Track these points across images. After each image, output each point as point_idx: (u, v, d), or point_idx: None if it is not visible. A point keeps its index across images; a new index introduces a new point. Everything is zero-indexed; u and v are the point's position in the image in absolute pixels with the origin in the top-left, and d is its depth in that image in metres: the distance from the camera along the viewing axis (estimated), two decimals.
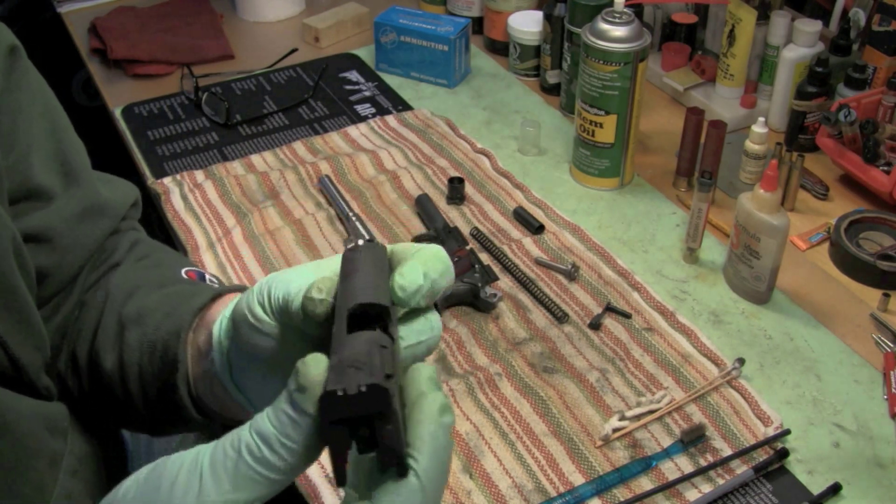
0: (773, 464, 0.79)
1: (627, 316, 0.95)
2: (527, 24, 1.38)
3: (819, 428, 0.84)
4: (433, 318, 0.49)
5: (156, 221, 1.23)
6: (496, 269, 1.02)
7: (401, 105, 1.36)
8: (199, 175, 1.18)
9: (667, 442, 0.81)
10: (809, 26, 1.19)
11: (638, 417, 0.84)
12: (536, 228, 1.08)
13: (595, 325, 0.94)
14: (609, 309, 0.96)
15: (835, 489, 0.77)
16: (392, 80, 1.42)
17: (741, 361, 0.88)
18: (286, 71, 1.45)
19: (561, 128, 1.29)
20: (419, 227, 1.09)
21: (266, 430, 0.41)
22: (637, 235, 1.08)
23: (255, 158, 1.22)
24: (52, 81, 0.71)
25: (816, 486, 0.78)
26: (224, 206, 1.12)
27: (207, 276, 0.73)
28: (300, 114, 1.34)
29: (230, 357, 0.56)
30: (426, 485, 0.40)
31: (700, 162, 1.12)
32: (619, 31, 1.06)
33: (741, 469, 0.79)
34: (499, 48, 1.48)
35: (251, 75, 1.44)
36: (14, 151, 0.62)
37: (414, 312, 0.49)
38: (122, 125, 1.31)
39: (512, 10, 1.43)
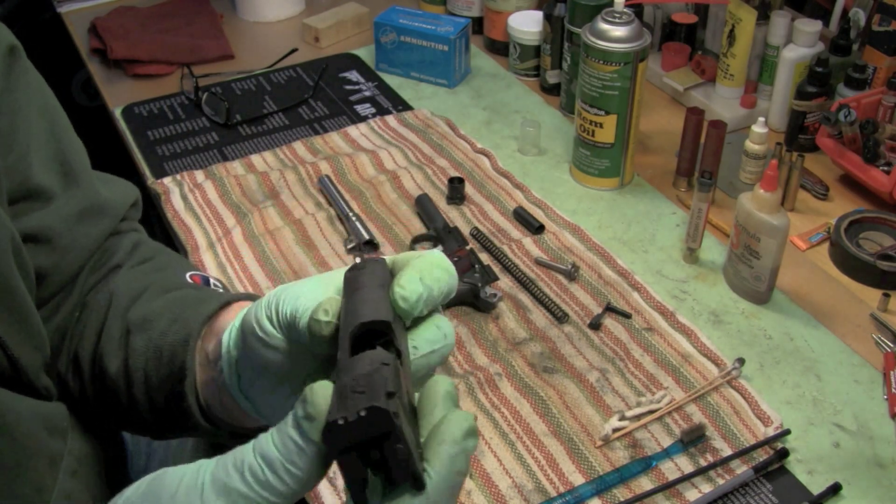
0: (773, 464, 0.79)
1: (627, 316, 0.95)
2: (527, 24, 1.38)
3: (819, 428, 0.83)
4: (443, 324, 0.49)
5: (156, 221, 1.23)
6: (496, 269, 1.02)
7: (401, 105, 1.36)
8: (199, 175, 1.18)
9: (667, 442, 0.81)
10: (809, 26, 1.19)
11: (638, 417, 0.84)
12: (536, 228, 1.08)
13: (595, 325, 0.94)
14: (609, 309, 0.96)
15: (835, 489, 0.77)
16: (392, 80, 1.42)
17: (741, 361, 0.88)
18: (286, 71, 1.45)
19: (561, 128, 1.29)
20: (419, 227, 1.09)
21: (271, 454, 0.41)
22: (637, 235, 1.08)
23: (255, 158, 1.22)
24: (52, 81, 0.71)
25: (816, 486, 0.78)
26: (224, 206, 1.12)
27: (212, 281, 0.73)
28: (300, 114, 1.34)
29: (239, 368, 0.56)
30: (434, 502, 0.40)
31: (700, 162, 1.12)
32: (619, 31, 1.06)
33: (741, 469, 0.79)
34: (499, 48, 1.48)
35: (251, 75, 1.44)
36: (13, 151, 0.62)
37: (422, 320, 0.48)
38: (122, 125, 1.31)
39: (512, 10, 1.43)
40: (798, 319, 0.96)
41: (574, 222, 1.09)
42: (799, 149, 1.19)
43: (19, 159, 0.62)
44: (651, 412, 0.84)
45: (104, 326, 0.66)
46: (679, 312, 0.95)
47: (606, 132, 1.12)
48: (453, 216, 1.11)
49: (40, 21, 1.73)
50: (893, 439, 0.82)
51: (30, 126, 0.64)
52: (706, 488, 0.77)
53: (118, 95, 1.39)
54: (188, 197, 1.14)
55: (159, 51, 1.45)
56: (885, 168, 1.08)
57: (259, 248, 1.06)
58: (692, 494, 0.77)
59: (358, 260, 0.51)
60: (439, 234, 1.05)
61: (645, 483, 0.78)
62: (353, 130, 1.29)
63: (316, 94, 1.38)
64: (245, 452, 0.42)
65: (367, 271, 0.48)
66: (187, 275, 0.71)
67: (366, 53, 1.49)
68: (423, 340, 0.48)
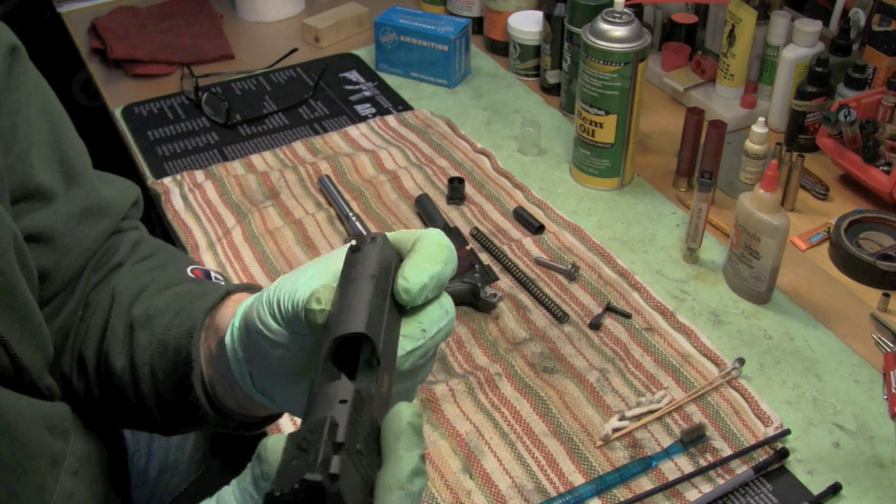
0: (773, 464, 0.79)
1: (627, 316, 0.95)
2: (527, 24, 1.38)
3: (819, 428, 0.84)
4: (445, 301, 0.49)
5: (156, 221, 1.23)
6: (496, 269, 1.02)
7: (401, 105, 1.36)
8: (199, 175, 1.18)
9: (667, 442, 0.81)
10: (809, 26, 1.19)
11: (638, 417, 0.84)
12: (536, 228, 1.08)
13: (595, 325, 0.94)
14: (609, 309, 0.96)
15: (835, 489, 0.77)
16: (392, 80, 1.42)
17: (741, 361, 0.88)
18: (286, 71, 1.45)
19: (561, 128, 1.29)
20: (419, 227, 1.09)
21: None
22: (637, 235, 1.08)
23: (255, 158, 1.22)
24: (52, 81, 0.71)
25: (816, 486, 0.78)
26: (224, 206, 1.12)
27: (213, 274, 0.73)
28: (300, 114, 1.34)
29: (249, 367, 0.55)
30: None
31: (700, 162, 1.12)
32: (619, 31, 1.06)
33: (741, 469, 0.79)
34: (499, 48, 1.48)
35: (251, 75, 1.44)
36: (14, 151, 0.62)
37: (428, 302, 0.49)
38: (122, 125, 1.31)
39: (512, 10, 1.43)
40: (798, 319, 0.96)
41: (574, 222, 1.09)
42: (799, 149, 1.19)
43: (20, 159, 0.62)
44: (651, 412, 0.84)
45: (108, 325, 0.66)
46: (679, 312, 0.95)
47: (606, 132, 1.12)
48: (453, 216, 1.11)
49: (40, 21, 1.73)
50: (893, 439, 0.82)
51: (31, 126, 0.64)
52: (706, 488, 0.77)
53: (118, 95, 1.39)
54: (188, 197, 1.14)
55: (159, 51, 1.45)
56: (885, 168, 1.08)
57: (259, 248, 1.06)
58: (692, 494, 0.77)
59: (364, 235, 0.49)
60: None
61: (645, 483, 0.78)
62: (353, 130, 1.29)
63: (316, 94, 1.38)
64: None
65: (368, 255, 0.48)
66: (188, 269, 0.71)
67: (366, 53, 1.49)
68: (430, 322, 0.48)
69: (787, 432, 0.82)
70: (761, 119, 1.08)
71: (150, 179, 1.18)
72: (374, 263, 0.47)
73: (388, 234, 0.51)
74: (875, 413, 0.85)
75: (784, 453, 0.80)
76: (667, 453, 0.80)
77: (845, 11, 1.30)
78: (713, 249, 1.05)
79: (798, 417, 0.84)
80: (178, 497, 0.90)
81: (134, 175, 1.23)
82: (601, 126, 1.11)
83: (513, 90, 1.39)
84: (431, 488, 0.78)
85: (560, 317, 0.95)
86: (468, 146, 1.24)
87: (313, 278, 0.49)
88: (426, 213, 1.09)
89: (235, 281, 1.01)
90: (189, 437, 0.96)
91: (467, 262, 0.99)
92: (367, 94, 1.39)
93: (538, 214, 1.10)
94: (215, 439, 0.98)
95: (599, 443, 0.81)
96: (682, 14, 1.38)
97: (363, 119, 1.32)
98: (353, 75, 1.44)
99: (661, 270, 1.03)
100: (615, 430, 0.82)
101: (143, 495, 0.88)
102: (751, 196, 0.93)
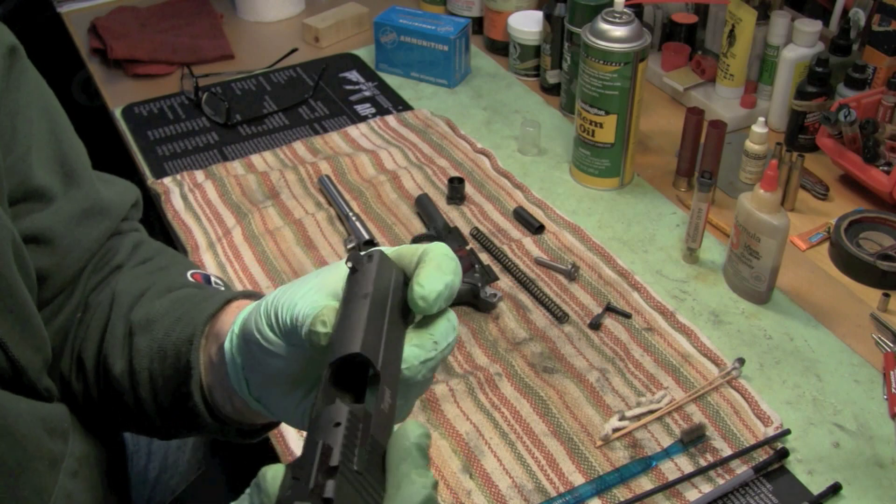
0: (773, 464, 0.79)
1: (627, 316, 0.95)
2: (527, 24, 1.38)
3: (819, 428, 0.84)
4: (452, 316, 0.50)
5: (156, 221, 1.23)
6: (496, 269, 1.02)
7: (401, 105, 1.36)
8: (199, 175, 1.18)
9: (667, 442, 0.81)
10: (809, 26, 1.19)
11: (638, 417, 0.84)
12: (536, 228, 1.08)
13: (595, 325, 0.94)
14: (609, 309, 0.96)
15: (835, 489, 0.77)
16: (392, 80, 1.42)
17: (741, 361, 0.88)
18: (286, 71, 1.45)
19: (561, 128, 1.29)
20: (419, 227, 1.09)
21: None
22: (637, 235, 1.08)
23: (255, 158, 1.22)
24: (52, 81, 0.71)
25: (816, 486, 0.78)
26: (224, 206, 1.12)
27: (213, 279, 0.73)
28: (300, 114, 1.34)
29: (245, 374, 0.55)
30: None
31: (700, 162, 1.12)
32: (619, 31, 1.06)
33: (741, 469, 0.79)
34: (499, 48, 1.48)
35: (251, 75, 1.44)
36: (13, 152, 0.62)
37: (436, 315, 0.49)
38: (122, 125, 1.31)
39: (512, 10, 1.43)
40: (798, 319, 0.96)
41: (574, 222, 1.09)
42: (799, 149, 1.19)
43: (20, 160, 0.62)
44: (651, 412, 0.84)
45: (107, 327, 0.66)
46: (679, 312, 0.95)
47: (606, 132, 1.12)
48: (453, 216, 1.11)
49: (40, 21, 1.73)
50: (893, 439, 0.82)
51: (30, 126, 0.64)
52: (706, 488, 0.77)
53: (118, 95, 1.39)
54: (188, 197, 1.14)
55: (159, 51, 1.45)
56: (885, 168, 1.08)
57: (259, 248, 1.06)
58: (692, 494, 0.77)
59: (363, 252, 0.49)
60: (439, 234, 1.05)
61: (645, 483, 0.78)
62: (353, 130, 1.29)
63: (316, 94, 1.38)
64: None
65: (369, 273, 0.47)
66: (188, 273, 0.71)
67: (366, 53, 1.49)
68: (441, 335, 0.48)
69: (787, 432, 0.82)
70: (761, 119, 1.08)
71: (150, 179, 1.18)
72: (369, 282, 0.47)
73: (388, 249, 0.51)
74: (875, 413, 0.85)
75: (784, 453, 0.80)
76: (667, 453, 0.80)
77: (845, 11, 1.30)
78: (713, 249, 1.05)
79: (798, 417, 0.84)
80: (177, 497, 0.90)
81: (134, 175, 1.23)
82: (601, 126, 1.11)
83: (513, 90, 1.39)
84: None
85: (560, 317, 0.95)
86: (468, 146, 1.24)
87: (311, 292, 0.49)
88: (426, 213, 1.09)
89: (236, 284, 1.01)
90: (188, 439, 0.96)
91: (467, 262, 0.99)
92: (367, 94, 1.39)
93: (538, 214, 1.10)
94: (215, 440, 0.98)
95: (599, 443, 0.81)
96: (682, 14, 1.38)
97: (363, 119, 1.32)
98: (353, 75, 1.44)
99: (661, 270, 1.03)
100: (615, 430, 0.82)
101: (142, 496, 0.88)
102: (751, 196, 0.93)
